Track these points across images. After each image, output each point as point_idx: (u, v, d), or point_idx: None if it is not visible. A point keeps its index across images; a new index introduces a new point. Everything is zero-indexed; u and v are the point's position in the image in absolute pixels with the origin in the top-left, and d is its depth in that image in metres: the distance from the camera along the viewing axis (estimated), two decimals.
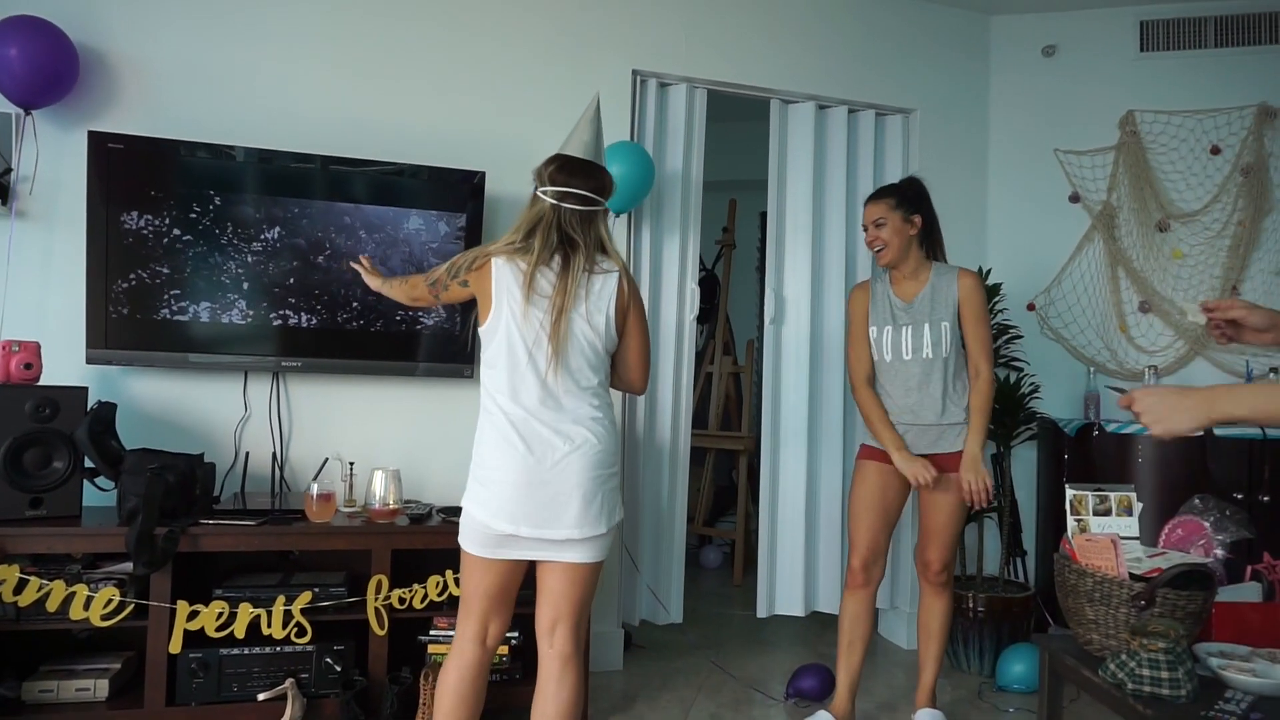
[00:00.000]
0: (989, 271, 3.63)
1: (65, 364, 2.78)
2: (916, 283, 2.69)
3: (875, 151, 3.79)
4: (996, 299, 3.58)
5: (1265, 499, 3.21)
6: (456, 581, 2.68)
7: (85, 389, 2.57)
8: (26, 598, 2.36)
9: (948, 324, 2.62)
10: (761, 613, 3.58)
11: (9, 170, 2.77)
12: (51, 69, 2.68)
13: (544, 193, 1.99)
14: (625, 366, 2.07)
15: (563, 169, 1.98)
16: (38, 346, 2.58)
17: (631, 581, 3.43)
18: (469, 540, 1.95)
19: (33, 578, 2.37)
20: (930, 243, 2.73)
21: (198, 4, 2.96)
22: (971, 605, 3.34)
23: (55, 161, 2.82)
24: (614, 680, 3.22)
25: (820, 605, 3.66)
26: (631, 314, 2.03)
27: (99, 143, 2.71)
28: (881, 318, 2.71)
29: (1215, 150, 3.70)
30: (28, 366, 2.53)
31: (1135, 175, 3.76)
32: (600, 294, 1.96)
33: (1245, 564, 2.26)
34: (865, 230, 2.72)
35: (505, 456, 1.89)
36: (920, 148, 3.78)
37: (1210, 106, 3.72)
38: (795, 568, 3.60)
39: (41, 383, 2.60)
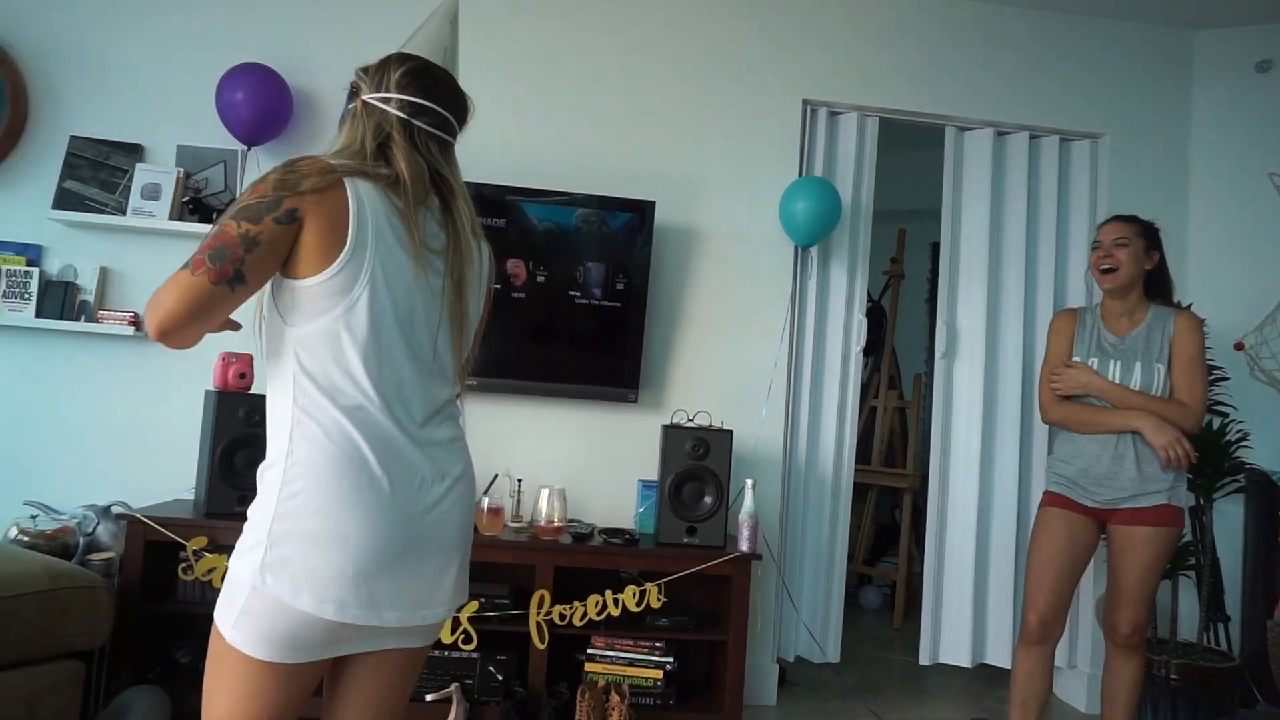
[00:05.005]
0: (1189, 305, 3.34)
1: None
2: (1131, 321, 2.56)
3: (1059, 179, 3.59)
4: None
5: None
6: (616, 602, 2.72)
7: None
8: None
9: (1162, 367, 2.47)
10: (924, 660, 3.41)
11: (233, 201, 3.09)
12: (272, 110, 2.98)
13: (384, 100, 1.31)
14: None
15: (418, 76, 1.33)
16: (251, 358, 2.85)
17: (788, 617, 3.36)
18: (263, 640, 1.18)
19: None
20: (1159, 290, 2.61)
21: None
22: (1165, 672, 3.05)
23: None
24: (766, 716, 3.15)
25: (990, 657, 3.45)
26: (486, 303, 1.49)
27: None
28: (1088, 348, 2.57)
29: None
30: (241, 376, 2.80)
31: None
32: (482, 266, 1.43)
33: None
34: (1097, 247, 2.58)
35: (359, 499, 1.20)
36: (1110, 174, 3.55)
37: None
38: (963, 615, 3.41)
39: (253, 391, 2.86)
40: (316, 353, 1.22)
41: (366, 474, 1.21)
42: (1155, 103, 3.60)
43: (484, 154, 3.21)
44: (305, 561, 1.17)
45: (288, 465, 1.20)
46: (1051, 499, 2.59)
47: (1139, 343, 2.51)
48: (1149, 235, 2.56)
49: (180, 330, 1.18)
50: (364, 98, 1.32)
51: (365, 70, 1.36)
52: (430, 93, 1.33)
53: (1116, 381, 2.49)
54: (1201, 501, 3.26)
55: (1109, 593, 2.53)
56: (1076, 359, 2.57)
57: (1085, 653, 3.41)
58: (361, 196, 1.23)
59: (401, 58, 1.35)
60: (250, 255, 1.18)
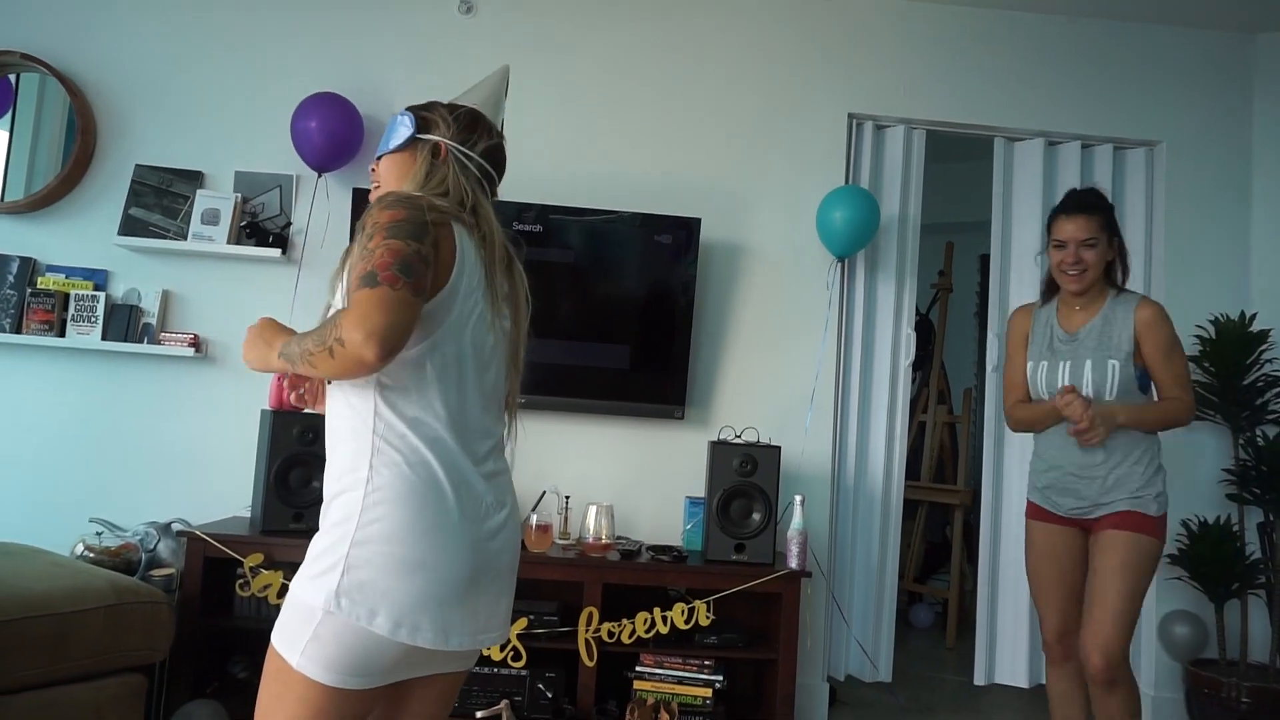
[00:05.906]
0: (1254, 316, 3.24)
1: None
2: (1087, 313, 2.36)
3: (1113, 189, 3.50)
4: (1264, 347, 3.18)
5: None
6: (665, 619, 2.71)
7: None
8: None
9: (1116, 363, 2.28)
10: (979, 680, 3.34)
11: (289, 225, 3.18)
12: (343, 138, 3.06)
13: (466, 157, 1.40)
14: None
15: (496, 151, 1.46)
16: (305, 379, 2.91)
17: (839, 634, 3.31)
18: (330, 666, 1.19)
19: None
20: (1119, 270, 2.40)
21: (461, 77, 3.27)
22: (1235, 695, 2.94)
23: (340, 216, 3.17)
24: None
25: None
26: None
27: (361, 197, 3.05)
28: (1039, 350, 2.41)
29: None
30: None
31: None
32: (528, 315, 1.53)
33: None
34: (1060, 247, 2.33)
35: (437, 527, 1.24)
36: (1167, 182, 3.47)
37: None
38: (1019, 634, 3.33)
39: (306, 411, 2.92)
40: (402, 384, 1.25)
41: (444, 503, 1.25)
42: (1214, 108, 3.51)
43: (530, 172, 3.24)
44: (384, 586, 1.20)
45: (368, 491, 1.23)
46: (1032, 510, 2.48)
47: (1091, 338, 2.33)
48: (1112, 223, 2.36)
49: (399, 344, 1.16)
50: (447, 144, 1.39)
51: (451, 114, 1.41)
52: (499, 169, 1.46)
53: (1066, 381, 2.32)
54: (1271, 517, 3.15)
55: (1084, 610, 2.34)
56: (1030, 364, 2.42)
57: (1149, 676, 3.31)
58: (462, 238, 1.30)
59: (488, 128, 1.44)
60: (429, 272, 1.22)
